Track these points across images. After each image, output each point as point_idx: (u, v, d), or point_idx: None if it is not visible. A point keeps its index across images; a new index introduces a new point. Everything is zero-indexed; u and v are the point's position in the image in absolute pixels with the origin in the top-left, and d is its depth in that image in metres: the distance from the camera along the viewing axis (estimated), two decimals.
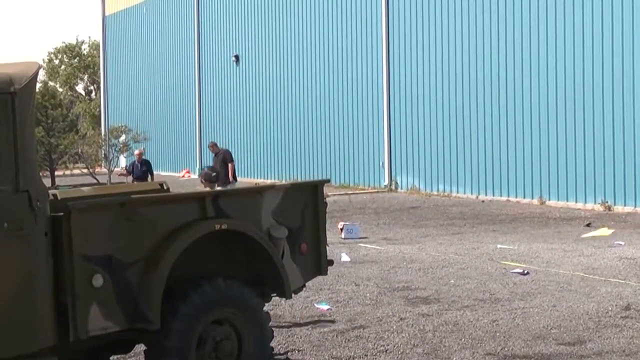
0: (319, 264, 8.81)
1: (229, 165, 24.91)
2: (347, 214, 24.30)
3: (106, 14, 53.38)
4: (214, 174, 15.63)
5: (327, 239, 9.05)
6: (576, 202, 25.21)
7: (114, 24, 51.23)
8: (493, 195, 28.06)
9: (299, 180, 32.27)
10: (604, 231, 18.87)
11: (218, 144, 26.95)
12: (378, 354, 9.62)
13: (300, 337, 10.37)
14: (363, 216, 23.96)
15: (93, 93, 72.09)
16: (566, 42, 25.79)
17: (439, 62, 30.05)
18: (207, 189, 13.26)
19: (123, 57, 50.27)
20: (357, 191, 31.73)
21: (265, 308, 8.34)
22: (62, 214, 7.11)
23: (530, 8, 26.78)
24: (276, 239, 8.26)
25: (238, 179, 26.85)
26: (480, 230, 20.55)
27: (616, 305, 11.79)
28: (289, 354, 9.71)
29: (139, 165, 27.52)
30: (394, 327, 10.75)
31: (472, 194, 28.77)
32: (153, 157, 45.57)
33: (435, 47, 30.21)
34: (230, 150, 27.00)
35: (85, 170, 40.74)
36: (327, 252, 8.96)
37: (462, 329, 10.62)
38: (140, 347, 8.63)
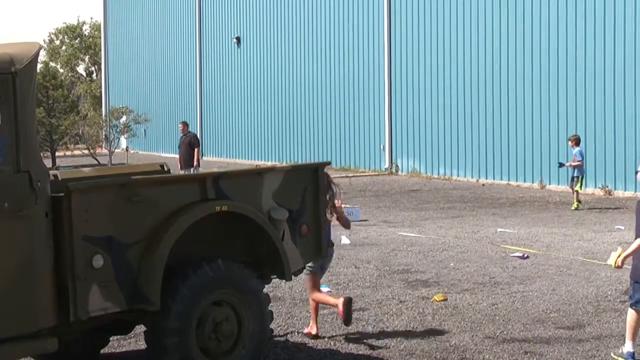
0: (319, 246, 8.82)
1: (195, 150, 25.09)
2: (347, 197, 24.29)
3: None
4: None
5: None
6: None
7: (116, 4, 51.07)
8: (493, 179, 28.05)
9: (300, 162, 32.27)
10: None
11: (189, 126, 27.16)
12: (377, 336, 9.64)
13: (300, 319, 10.39)
14: (363, 199, 23.97)
15: (94, 74, 71.91)
16: (568, 25, 25.73)
17: (440, 45, 29.98)
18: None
19: (124, 38, 50.13)
20: (358, 174, 31.72)
21: (264, 290, 8.35)
22: (62, 194, 7.11)
23: None
24: (276, 220, 8.26)
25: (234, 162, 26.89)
26: (480, 214, 20.56)
27: (615, 289, 11.81)
28: (288, 335, 9.73)
29: None
30: (394, 310, 10.78)
31: (472, 177, 28.77)
32: (154, 138, 45.67)
33: (436, 30, 30.13)
34: (197, 135, 27.14)
35: (86, 151, 40.72)
36: None
37: (462, 312, 10.64)
38: (140, 328, 8.65)
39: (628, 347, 8.64)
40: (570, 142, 21.95)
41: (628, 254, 8.49)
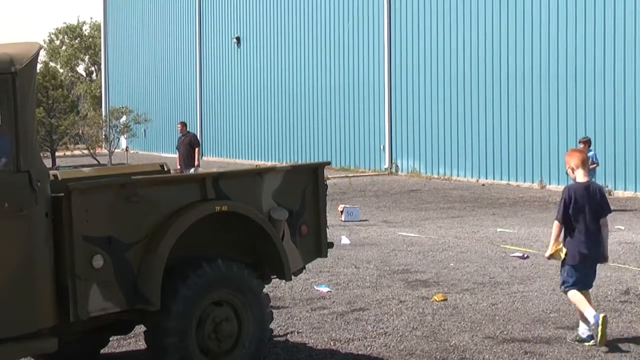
0: (319, 246, 8.81)
1: (196, 149, 25.13)
2: (347, 197, 24.31)
3: None
4: None
5: (327, 222, 9.05)
6: None
7: (116, 4, 51.08)
8: (493, 179, 28.05)
9: (300, 162, 32.27)
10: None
11: (188, 126, 27.20)
12: (377, 336, 9.63)
13: (300, 319, 10.38)
14: (363, 199, 23.97)
15: (94, 74, 71.93)
16: (567, 25, 25.73)
17: (440, 45, 29.99)
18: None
19: (124, 38, 50.14)
20: (358, 174, 31.73)
21: (264, 290, 8.35)
22: (62, 194, 7.11)
23: None
24: (276, 221, 8.26)
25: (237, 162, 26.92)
26: (480, 214, 20.56)
27: (615, 289, 11.81)
28: (288, 335, 9.73)
29: None
30: (394, 310, 10.77)
31: (472, 177, 28.76)
32: (154, 138, 45.68)
33: (436, 31, 30.13)
34: (197, 134, 27.30)
35: (85, 151, 40.73)
36: (327, 234, 8.96)
37: (462, 312, 10.64)
38: (140, 328, 8.65)
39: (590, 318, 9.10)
40: (582, 145, 21.12)
41: (554, 241, 9.32)
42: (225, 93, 41.24)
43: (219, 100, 41.74)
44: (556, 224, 9.37)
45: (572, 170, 9.45)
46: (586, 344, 9.14)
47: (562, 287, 9.42)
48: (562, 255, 9.30)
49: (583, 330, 9.25)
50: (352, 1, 33.70)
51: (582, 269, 9.28)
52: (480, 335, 9.60)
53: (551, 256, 9.42)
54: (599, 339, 8.97)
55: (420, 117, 30.87)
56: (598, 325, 8.94)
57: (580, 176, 9.41)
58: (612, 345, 9.16)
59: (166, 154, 42.76)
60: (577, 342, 9.21)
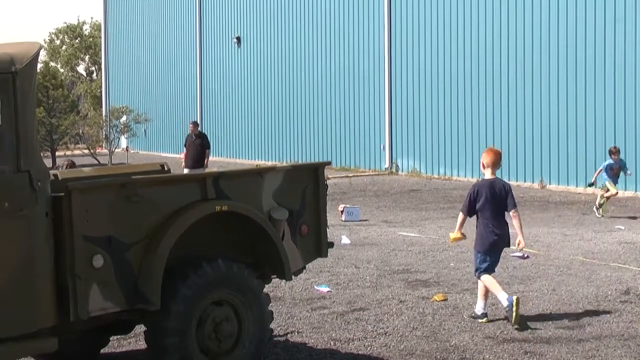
0: (319, 246, 8.81)
1: (207, 151, 25.19)
2: (347, 197, 24.30)
3: None
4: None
5: (328, 221, 9.05)
6: (577, 186, 25.20)
7: (116, 4, 51.06)
8: None
9: (300, 162, 32.25)
10: None
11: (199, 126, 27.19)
12: (377, 336, 9.64)
13: (300, 319, 10.39)
14: (363, 199, 23.96)
15: (94, 74, 71.92)
16: (568, 26, 25.73)
17: (440, 45, 29.98)
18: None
19: (124, 37, 50.13)
20: (358, 174, 31.71)
21: (265, 290, 8.35)
22: (62, 194, 7.11)
23: None
24: (277, 220, 8.26)
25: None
26: None
27: (615, 289, 11.81)
28: (288, 335, 9.73)
29: None
30: (394, 310, 10.77)
31: (472, 177, 28.73)
32: (154, 137, 45.68)
33: (437, 31, 30.13)
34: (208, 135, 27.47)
35: (86, 151, 40.72)
36: (328, 234, 8.96)
37: (462, 312, 10.64)
38: (140, 328, 8.65)
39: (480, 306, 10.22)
40: (615, 156, 20.34)
41: (458, 230, 10.72)
42: (226, 93, 41.23)
43: (219, 100, 41.73)
44: (460, 215, 10.76)
45: (484, 166, 10.58)
46: (480, 320, 10.06)
47: (476, 272, 10.36)
48: (452, 238, 10.61)
49: (479, 308, 10.19)
50: (353, 1, 33.67)
51: (492, 255, 10.33)
52: (480, 335, 9.61)
53: (453, 240, 10.70)
54: (513, 319, 9.79)
55: (421, 117, 30.86)
56: (512, 307, 9.77)
57: (488, 174, 10.55)
58: (613, 345, 9.17)
59: (167, 153, 42.76)
60: (472, 319, 10.12)
